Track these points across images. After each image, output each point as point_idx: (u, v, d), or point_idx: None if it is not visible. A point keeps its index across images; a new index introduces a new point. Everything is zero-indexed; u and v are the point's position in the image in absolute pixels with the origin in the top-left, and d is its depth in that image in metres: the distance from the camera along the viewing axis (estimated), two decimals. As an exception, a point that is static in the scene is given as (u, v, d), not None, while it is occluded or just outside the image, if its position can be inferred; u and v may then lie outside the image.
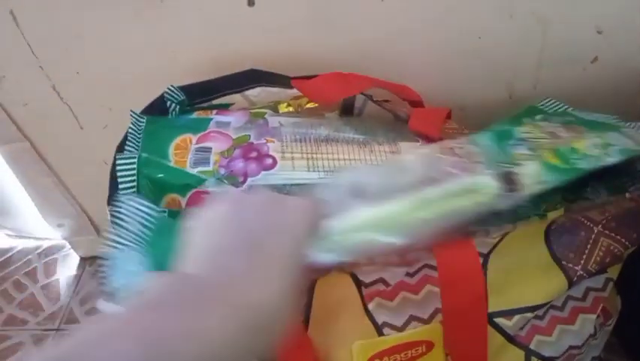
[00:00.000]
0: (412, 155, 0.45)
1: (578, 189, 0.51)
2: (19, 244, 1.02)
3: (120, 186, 0.47)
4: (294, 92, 0.58)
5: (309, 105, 0.59)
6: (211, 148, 0.50)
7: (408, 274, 0.44)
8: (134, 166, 0.48)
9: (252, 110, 0.57)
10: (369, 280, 0.43)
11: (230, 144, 0.50)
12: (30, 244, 1.02)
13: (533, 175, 0.44)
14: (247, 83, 0.58)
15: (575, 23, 0.59)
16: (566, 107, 0.57)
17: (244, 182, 0.47)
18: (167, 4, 0.59)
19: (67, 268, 0.97)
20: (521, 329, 0.44)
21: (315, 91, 0.55)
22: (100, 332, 0.23)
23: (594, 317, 0.46)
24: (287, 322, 0.28)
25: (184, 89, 0.57)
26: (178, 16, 0.60)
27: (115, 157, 0.49)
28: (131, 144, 0.50)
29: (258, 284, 0.27)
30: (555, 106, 0.58)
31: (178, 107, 0.56)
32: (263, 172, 0.47)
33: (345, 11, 0.59)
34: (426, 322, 0.42)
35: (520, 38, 0.60)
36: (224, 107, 0.58)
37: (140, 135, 0.51)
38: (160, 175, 0.48)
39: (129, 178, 0.47)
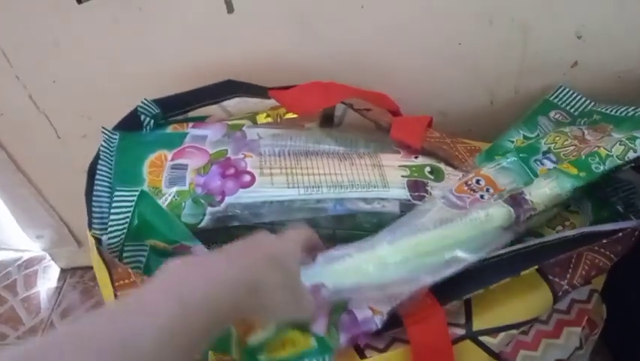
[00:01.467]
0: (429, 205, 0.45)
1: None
2: (-2, 256, 1.00)
3: (113, 219, 0.44)
4: (273, 102, 0.57)
5: (288, 115, 0.58)
6: (187, 165, 0.48)
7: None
8: (133, 200, 0.45)
9: (229, 122, 0.55)
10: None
11: (207, 160, 0.49)
12: (9, 255, 1.00)
13: (546, 191, 0.44)
14: (224, 94, 0.57)
15: (555, 29, 0.58)
16: (589, 103, 0.57)
17: (222, 201, 0.46)
18: (146, 12, 0.58)
19: (47, 280, 0.95)
20: (507, 345, 0.43)
21: (293, 102, 0.54)
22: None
23: (579, 329, 0.45)
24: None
25: (158, 102, 0.55)
26: (157, 24, 0.59)
27: (90, 177, 0.47)
28: (104, 162, 0.48)
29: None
30: (570, 97, 0.58)
31: (152, 120, 0.55)
32: (240, 190, 0.46)
33: (325, 20, 0.58)
34: (408, 343, 0.41)
35: (501, 44, 0.59)
36: (200, 120, 0.56)
37: (113, 153, 0.49)
38: (153, 218, 0.45)
39: (125, 212, 0.45)
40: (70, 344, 0.25)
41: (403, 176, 0.49)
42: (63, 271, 0.97)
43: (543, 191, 0.44)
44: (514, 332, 0.42)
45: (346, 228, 0.47)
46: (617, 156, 0.45)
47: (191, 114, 0.57)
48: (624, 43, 0.59)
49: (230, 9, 0.56)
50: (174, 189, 0.47)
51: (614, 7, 0.56)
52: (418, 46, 0.60)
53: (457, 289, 0.42)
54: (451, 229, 0.42)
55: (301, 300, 0.37)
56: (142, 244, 0.46)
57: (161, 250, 0.46)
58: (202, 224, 0.45)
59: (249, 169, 0.48)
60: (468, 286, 0.41)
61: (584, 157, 0.46)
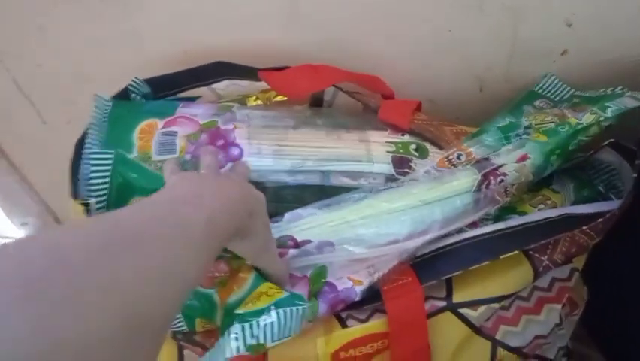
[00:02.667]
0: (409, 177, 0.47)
1: (544, 180, 0.51)
2: (-17, 244, 0.99)
3: (92, 182, 0.44)
4: (263, 85, 0.57)
5: (277, 98, 0.58)
6: (176, 132, 0.48)
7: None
8: (110, 163, 0.45)
9: (219, 103, 0.55)
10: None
11: (197, 129, 0.49)
12: (-6, 243, 0.98)
13: (512, 154, 0.45)
14: (214, 76, 0.57)
15: (545, 16, 0.59)
16: (571, 90, 0.58)
17: None
18: (132, -5, 0.58)
19: (32, 268, 0.94)
20: (487, 320, 0.44)
21: (283, 84, 0.54)
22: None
23: (559, 306, 0.46)
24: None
25: (149, 81, 0.55)
26: (144, 8, 0.59)
27: (78, 147, 0.47)
28: (94, 128, 0.47)
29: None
30: (554, 85, 0.59)
31: (143, 100, 0.55)
32: (229, 163, 0.46)
33: (314, 4, 0.58)
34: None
35: (491, 32, 0.60)
36: (190, 100, 0.57)
37: (105, 120, 0.49)
38: (134, 176, 0.45)
39: (103, 175, 0.45)
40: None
41: (388, 152, 0.50)
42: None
43: (511, 156, 0.45)
44: (494, 305, 0.43)
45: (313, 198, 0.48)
46: (586, 122, 0.47)
47: (180, 95, 0.57)
48: (614, 32, 0.60)
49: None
50: (163, 157, 0.46)
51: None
52: (407, 32, 0.61)
53: (437, 269, 0.43)
54: (420, 191, 0.43)
55: (275, 251, 0.40)
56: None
57: None
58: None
59: (237, 141, 0.48)
60: (447, 268, 0.43)
61: (554, 126, 0.47)
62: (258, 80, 0.56)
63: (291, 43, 0.61)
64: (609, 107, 0.48)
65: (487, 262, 0.42)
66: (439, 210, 0.43)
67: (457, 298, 0.42)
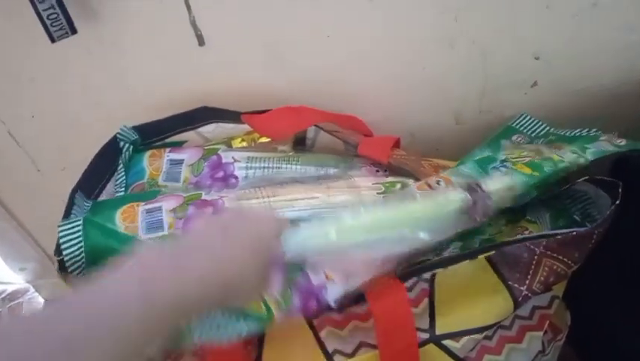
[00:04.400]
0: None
1: (519, 210, 0.53)
2: (-18, 290, 1.00)
3: (66, 255, 0.45)
4: (248, 127, 0.59)
5: (262, 140, 0.60)
6: (161, 207, 0.48)
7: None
8: (80, 230, 0.46)
9: (205, 147, 0.58)
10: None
11: (182, 202, 0.49)
12: (-7, 289, 1.00)
13: (500, 182, 0.47)
14: (200, 120, 0.59)
15: (514, 51, 0.62)
16: (546, 128, 0.60)
17: None
18: (119, 46, 0.60)
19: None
20: (471, 350, 0.45)
21: (265, 126, 0.56)
22: None
23: (541, 334, 0.47)
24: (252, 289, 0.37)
25: (137, 128, 0.58)
26: (130, 57, 0.62)
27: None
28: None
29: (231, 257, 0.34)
30: (530, 123, 0.61)
31: (131, 147, 0.57)
32: None
33: (294, 49, 0.61)
34: (375, 347, 0.43)
35: (463, 67, 0.63)
36: (177, 145, 0.59)
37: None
38: (106, 240, 0.46)
39: (75, 244, 0.45)
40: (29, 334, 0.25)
41: (378, 193, 0.51)
42: (47, 302, 0.97)
43: (498, 180, 0.47)
44: (477, 336, 0.44)
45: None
46: (569, 162, 0.48)
47: (168, 140, 0.59)
48: (581, 62, 0.62)
49: (201, 42, 0.59)
50: (152, 235, 0.46)
51: (571, 29, 0.59)
52: (384, 72, 0.63)
53: (417, 268, 0.45)
54: (411, 207, 0.44)
55: (266, 280, 0.38)
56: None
57: None
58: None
59: (227, 205, 0.48)
60: (428, 267, 0.44)
61: (537, 160, 0.49)
62: (242, 122, 0.58)
63: (273, 85, 0.64)
64: (589, 148, 0.50)
65: (466, 262, 0.44)
66: (431, 225, 0.44)
67: (439, 329, 0.43)
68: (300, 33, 0.60)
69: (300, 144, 0.62)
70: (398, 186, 0.52)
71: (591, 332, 0.62)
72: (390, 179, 0.53)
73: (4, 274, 0.93)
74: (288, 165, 0.55)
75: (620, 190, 0.46)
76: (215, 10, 0.58)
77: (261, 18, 0.58)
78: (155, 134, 0.59)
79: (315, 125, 0.61)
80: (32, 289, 0.97)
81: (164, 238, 0.46)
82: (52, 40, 0.53)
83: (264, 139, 0.60)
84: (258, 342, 0.44)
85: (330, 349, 0.43)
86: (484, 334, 0.44)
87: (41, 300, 0.97)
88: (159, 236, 0.46)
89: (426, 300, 0.44)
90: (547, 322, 0.48)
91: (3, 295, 0.98)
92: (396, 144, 0.60)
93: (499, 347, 0.46)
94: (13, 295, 0.98)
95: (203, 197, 0.50)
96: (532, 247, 0.46)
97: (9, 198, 0.78)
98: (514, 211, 0.52)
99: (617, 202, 0.45)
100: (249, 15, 0.58)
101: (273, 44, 0.60)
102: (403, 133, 0.64)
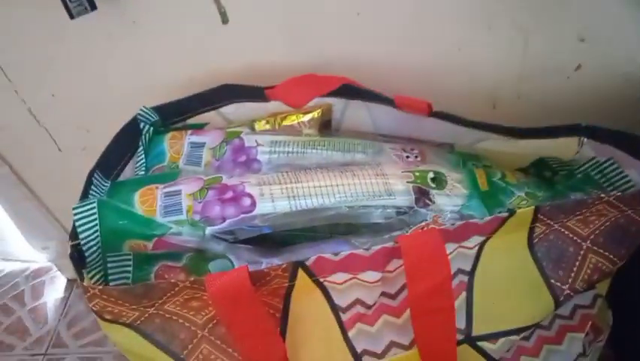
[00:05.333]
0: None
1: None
2: (6, 268, 1.00)
3: (82, 238, 0.43)
4: (271, 108, 0.57)
5: (285, 122, 0.57)
6: (180, 190, 0.47)
7: (389, 296, 0.42)
8: (95, 212, 0.44)
9: (227, 130, 0.55)
10: (346, 303, 0.41)
11: (202, 185, 0.47)
12: (16, 266, 1.00)
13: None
14: (220, 100, 0.57)
15: (557, 32, 0.57)
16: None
17: (223, 222, 0.45)
18: (140, 25, 0.58)
19: (54, 291, 0.95)
20: (507, 351, 0.42)
21: (288, 94, 0.54)
22: None
23: (582, 335, 0.44)
24: None
25: (157, 109, 0.56)
26: (151, 36, 0.59)
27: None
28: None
29: None
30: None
31: (152, 128, 0.55)
32: (242, 215, 0.45)
33: (321, 26, 0.58)
34: (407, 348, 0.41)
35: (501, 49, 0.59)
36: (199, 127, 0.57)
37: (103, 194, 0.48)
38: (122, 222, 0.45)
39: (91, 227, 0.44)
40: None
41: (408, 182, 0.48)
42: (69, 281, 0.97)
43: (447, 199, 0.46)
44: (514, 337, 0.41)
45: (341, 233, 0.47)
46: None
47: (190, 121, 0.57)
48: (629, 45, 0.58)
49: (225, 19, 0.57)
50: (170, 218, 0.45)
51: (617, 8, 0.55)
52: (418, 54, 0.60)
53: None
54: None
55: None
56: (122, 254, 0.45)
57: (145, 256, 0.45)
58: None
59: (247, 191, 0.46)
60: None
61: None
62: (264, 99, 0.55)
63: (298, 65, 0.60)
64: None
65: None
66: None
67: (476, 330, 0.41)
68: (328, 10, 0.56)
69: (326, 127, 0.59)
70: (430, 175, 0.49)
71: (629, 333, 0.58)
72: (422, 167, 0.50)
73: (27, 252, 0.94)
74: (314, 150, 0.53)
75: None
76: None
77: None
78: (176, 114, 0.57)
79: (344, 98, 0.57)
80: (55, 268, 0.98)
81: (182, 223, 0.44)
82: (72, 17, 0.52)
83: (288, 122, 0.58)
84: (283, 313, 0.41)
85: (358, 349, 0.40)
86: (522, 335, 0.41)
87: (64, 279, 0.97)
88: (177, 220, 0.44)
89: (464, 294, 0.41)
90: (590, 323, 0.45)
91: (26, 273, 0.99)
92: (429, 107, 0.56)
93: (536, 348, 0.43)
94: (36, 274, 0.99)
95: (224, 181, 0.47)
96: (577, 239, 0.43)
97: (30, 177, 0.78)
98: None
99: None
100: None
101: (299, 22, 0.57)
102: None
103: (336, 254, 0.39)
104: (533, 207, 0.41)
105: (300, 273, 0.39)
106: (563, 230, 0.43)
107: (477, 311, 0.41)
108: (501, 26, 0.56)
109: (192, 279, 0.39)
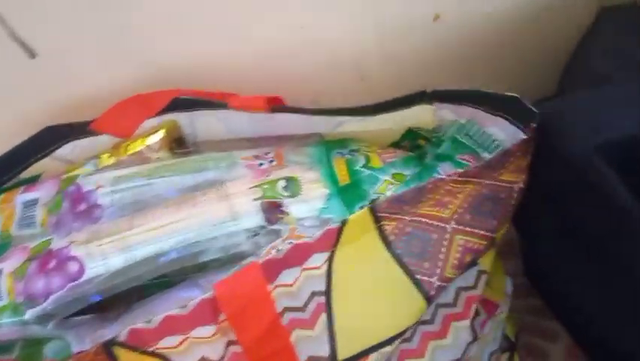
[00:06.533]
0: None
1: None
2: None
3: None
4: (110, 139, 0.51)
5: (131, 151, 0.51)
6: (1, 270, 0.41)
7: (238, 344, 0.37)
8: None
9: (63, 177, 0.49)
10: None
11: (26, 257, 0.42)
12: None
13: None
14: (50, 144, 0.51)
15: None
16: None
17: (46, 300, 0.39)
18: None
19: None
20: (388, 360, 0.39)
21: (114, 124, 0.49)
22: None
23: (467, 322, 0.40)
24: None
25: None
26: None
27: None
28: None
29: None
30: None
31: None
32: (69, 284, 0.39)
33: (146, 33, 0.51)
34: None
35: (352, 16, 0.54)
36: (31, 181, 0.50)
37: None
38: None
39: None
40: None
41: (255, 199, 0.43)
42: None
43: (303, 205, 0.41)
44: (387, 348, 0.37)
45: (192, 271, 0.42)
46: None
47: (23, 175, 0.51)
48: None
49: (32, 54, 0.50)
50: None
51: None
52: (257, 37, 0.54)
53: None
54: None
55: None
56: None
57: None
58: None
59: (72, 254, 0.40)
60: None
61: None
62: (94, 134, 0.50)
63: (126, 81, 0.54)
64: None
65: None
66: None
67: (342, 354, 0.36)
68: (149, 17, 0.50)
69: (180, 145, 0.54)
70: (282, 183, 0.44)
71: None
72: (272, 177, 0.45)
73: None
74: (161, 178, 0.47)
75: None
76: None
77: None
78: (6, 171, 0.50)
79: (189, 111, 0.52)
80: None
81: (3, 309, 0.39)
82: None
83: (135, 148, 0.52)
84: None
85: None
86: (393, 344, 0.37)
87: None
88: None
89: (323, 316, 0.37)
90: (474, 305, 0.41)
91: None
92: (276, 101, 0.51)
93: (421, 348, 0.40)
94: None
95: (51, 245, 0.42)
96: (441, 224, 0.39)
97: None
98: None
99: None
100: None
101: (118, 35, 0.51)
102: (305, 101, 0.56)
103: (148, 321, 0.34)
104: (367, 208, 0.36)
105: (119, 351, 0.34)
106: (420, 219, 0.38)
107: (340, 332, 0.37)
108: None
109: None
